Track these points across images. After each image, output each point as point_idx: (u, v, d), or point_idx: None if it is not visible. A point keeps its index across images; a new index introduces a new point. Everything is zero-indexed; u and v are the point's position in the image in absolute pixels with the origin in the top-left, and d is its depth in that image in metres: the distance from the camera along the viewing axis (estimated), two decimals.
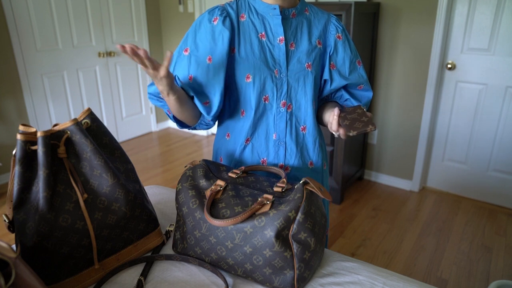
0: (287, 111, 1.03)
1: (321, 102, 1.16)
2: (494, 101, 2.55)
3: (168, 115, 1.09)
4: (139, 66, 3.96)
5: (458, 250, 2.24)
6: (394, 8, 2.68)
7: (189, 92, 0.99)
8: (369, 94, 1.13)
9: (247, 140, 1.05)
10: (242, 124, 1.05)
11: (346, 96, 1.11)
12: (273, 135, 1.04)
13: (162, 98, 1.06)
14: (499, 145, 2.61)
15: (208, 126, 1.08)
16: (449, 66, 2.63)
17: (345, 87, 1.11)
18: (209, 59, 0.97)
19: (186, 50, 1.01)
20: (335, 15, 2.14)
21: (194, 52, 0.99)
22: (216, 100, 0.99)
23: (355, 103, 1.11)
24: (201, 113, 1.04)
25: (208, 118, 1.03)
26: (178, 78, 1.00)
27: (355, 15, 2.35)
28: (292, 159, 1.06)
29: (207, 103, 1.00)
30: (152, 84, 1.06)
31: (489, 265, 2.11)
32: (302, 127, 1.06)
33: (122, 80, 3.86)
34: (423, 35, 2.62)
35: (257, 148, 1.05)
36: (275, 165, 1.07)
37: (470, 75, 2.60)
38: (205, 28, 0.99)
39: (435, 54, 2.59)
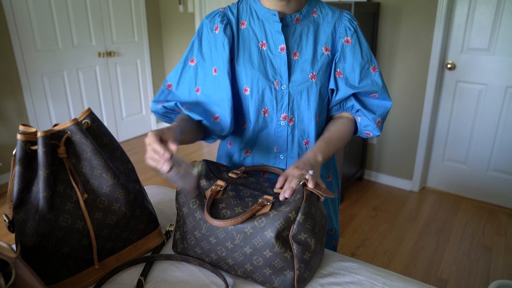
0: (288, 125, 0.97)
1: (334, 112, 1.05)
2: (494, 101, 2.55)
3: None
4: (139, 67, 3.97)
5: (458, 250, 2.24)
6: (394, 8, 2.68)
7: (195, 116, 0.94)
8: (387, 103, 0.99)
9: (247, 152, 1.03)
10: (243, 135, 1.02)
11: (357, 106, 0.99)
12: (274, 149, 1.00)
13: (166, 116, 1.03)
14: (499, 145, 2.61)
15: (215, 140, 1.04)
16: (449, 66, 2.63)
17: (356, 96, 0.99)
18: (215, 71, 0.95)
19: (192, 61, 0.98)
20: None
21: (201, 63, 0.97)
22: (226, 113, 0.94)
23: (368, 114, 0.99)
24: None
25: (222, 134, 0.97)
26: (181, 105, 0.95)
27: (355, 15, 2.35)
28: None
29: (217, 118, 0.96)
30: (155, 100, 1.01)
31: (489, 265, 2.11)
32: (305, 140, 1.00)
33: (122, 80, 3.86)
34: (423, 35, 2.62)
35: (257, 160, 1.03)
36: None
37: (470, 75, 2.60)
38: (208, 37, 0.96)
39: (435, 54, 2.59)
